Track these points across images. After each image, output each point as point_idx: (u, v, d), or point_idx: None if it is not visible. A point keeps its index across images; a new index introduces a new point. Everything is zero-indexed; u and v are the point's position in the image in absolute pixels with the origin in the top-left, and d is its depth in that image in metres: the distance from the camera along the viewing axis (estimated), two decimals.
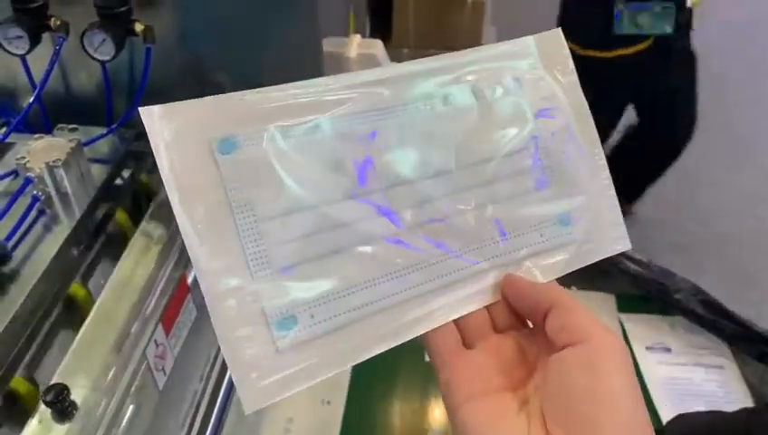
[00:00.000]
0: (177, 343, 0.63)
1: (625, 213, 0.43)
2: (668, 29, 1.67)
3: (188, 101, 0.35)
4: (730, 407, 0.69)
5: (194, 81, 0.78)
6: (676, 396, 0.80)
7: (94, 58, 0.71)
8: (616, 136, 2.07)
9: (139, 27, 0.71)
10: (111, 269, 0.62)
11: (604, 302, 0.93)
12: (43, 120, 0.76)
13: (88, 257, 0.66)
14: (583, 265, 0.42)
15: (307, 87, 0.37)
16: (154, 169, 0.71)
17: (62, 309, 0.61)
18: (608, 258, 0.43)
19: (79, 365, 0.53)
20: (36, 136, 0.66)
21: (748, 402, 0.80)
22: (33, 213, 0.63)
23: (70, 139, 0.66)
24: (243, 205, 0.34)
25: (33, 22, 0.70)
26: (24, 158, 0.63)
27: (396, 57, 1.27)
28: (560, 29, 0.44)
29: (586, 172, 0.43)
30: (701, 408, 0.77)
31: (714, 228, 2.19)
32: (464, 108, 0.41)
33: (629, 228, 0.44)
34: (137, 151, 0.75)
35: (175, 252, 0.64)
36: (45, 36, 0.72)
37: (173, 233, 0.65)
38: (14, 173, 0.66)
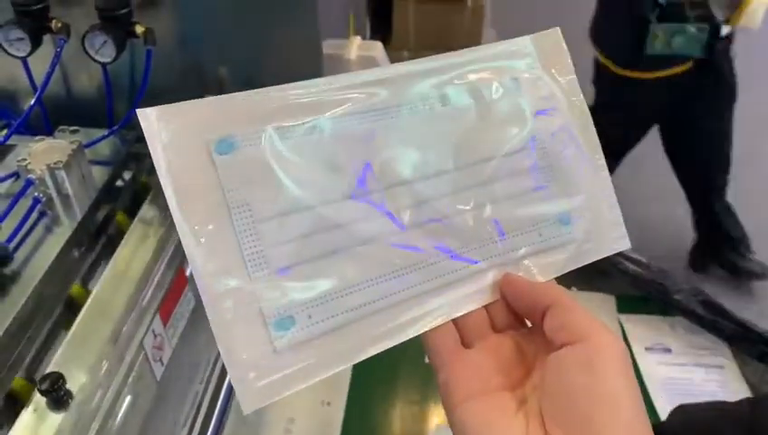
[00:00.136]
0: (174, 333, 0.63)
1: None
2: (702, 52, 1.58)
3: (186, 102, 0.35)
4: None
5: (194, 82, 0.78)
6: (676, 396, 0.80)
7: (95, 60, 0.71)
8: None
9: (139, 29, 0.71)
10: None
11: (604, 302, 0.93)
12: (44, 122, 0.76)
13: (89, 259, 0.66)
14: (583, 265, 0.42)
15: (306, 87, 0.37)
16: (155, 170, 0.71)
17: (63, 310, 0.61)
18: (607, 259, 0.43)
19: (75, 355, 0.52)
20: (37, 138, 0.66)
21: None
22: (35, 215, 0.63)
23: (71, 141, 0.66)
24: (240, 205, 0.34)
25: (35, 24, 0.70)
26: (25, 160, 0.63)
27: (396, 59, 1.27)
28: (558, 28, 0.44)
29: (585, 172, 0.43)
30: None
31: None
32: (462, 108, 0.41)
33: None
34: (138, 153, 0.75)
35: (173, 242, 0.64)
36: (46, 38, 0.72)
37: (171, 224, 0.65)
38: (16, 175, 0.66)
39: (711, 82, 1.67)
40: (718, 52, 1.61)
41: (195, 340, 0.68)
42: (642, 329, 0.89)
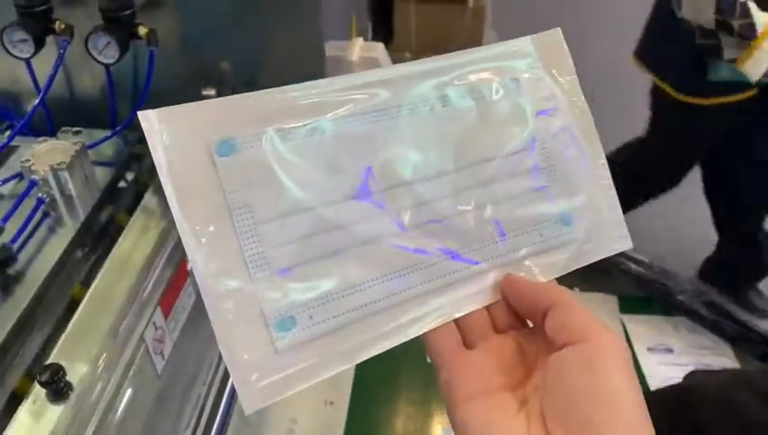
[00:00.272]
0: (176, 327, 0.63)
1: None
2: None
3: (187, 103, 0.35)
4: None
5: (196, 84, 0.78)
6: None
7: (98, 61, 0.71)
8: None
9: (142, 30, 0.71)
10: None
11: (606, 303, 0.93)
12: (47, 123, 0.76)
13: (91, 259, 0.66)
14: (584, 265, 0.42)
15: (307, 89, 0.37)
16: (155, 178, 0.71)
17: (66, 311, 0.61)
18: (610, 259, 0.43)
19: (75, 347, 0.52)
20: (41, 139, 0.66)
21: None
22: (38, 215, 0.64)
23: (74, 142, 0.66)
24: (241, 207, 0.34)
25: (38, 25, 0.70)
26: (28, 160, 0.63)
27: (397, 61, 1.27)
28: (558, 29, 0.44)
29: (586, 172, 0.43)
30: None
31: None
32: (463, 109, 0.41)
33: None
34: (140, 154, 0.75)
35: (174, 235, 0.64)
36: (49, 40, 0.72)
37: (172, 217, 0.65)
38: (19, 176, 0.67)
39: None
40: None
41: (196, 335, 0.68)
42: (645, 329, 0.89)
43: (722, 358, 0.85)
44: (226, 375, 0.72)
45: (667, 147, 1.63)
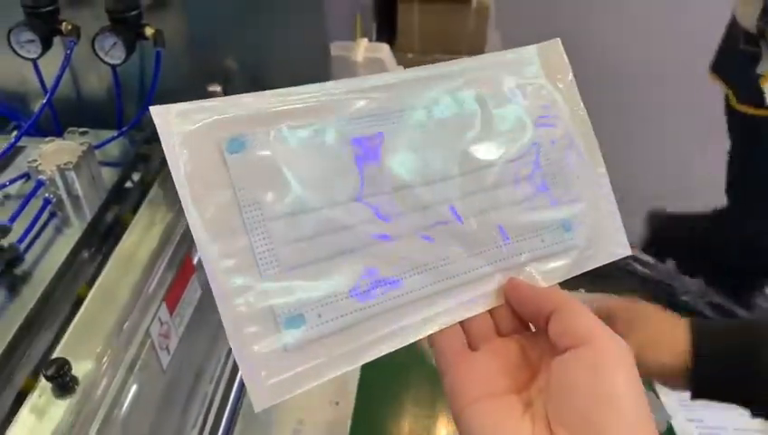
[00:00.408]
0: (181, 322, 0.63)
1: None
2: None
3: (199, 101, 0.35)
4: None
5: (202, 83, 0.78)
6: (682, 397, 0.80)
7: (105, 62, 0.72)
8: None
9: (149, 31, 0.72)
10: None
11: None
12: (53, 123, 0.77)
13: (98, 259, 0.66)
14: (584, 271, 0.42)
15: (315, 90, 0.38)
16: (162, 171, 0.72)
17: (72, 310, 0.61)
18: (615, 260, 0.44)
19: (80, 342, 0.52)
20: (47, 139, 0.67)
21: None
22: (45, 215, 0.64)
23: (80, 142, 0.66)
24: (251, 204, 0.35)
25: (45, 26, 0.70)
26: (35, 161, 0.64)
27: (401, 61, 1.28)
28: (558, 39, 0.45)
29: (586, 179, 0.44)
30: (710, 409, 0.77)
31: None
32: (467, 114, 0.41)
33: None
34: (146, 154, 0.75)
35: (179, 230, 0.64)
36: (56, 40, 0.72)
37: (178, 211, 0.65)
38: (26, 176, 0.67)
39: None
40: None
41: (202, 331, 0.68)
42: None
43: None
44: (233, 374, 0.72)
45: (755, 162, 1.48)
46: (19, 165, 0.70)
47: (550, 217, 0.42)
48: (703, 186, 2.11)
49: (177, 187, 0.34)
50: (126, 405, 0.53)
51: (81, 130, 0.73)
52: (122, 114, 0.78)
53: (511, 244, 0.40)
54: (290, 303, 0.34)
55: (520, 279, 0.40)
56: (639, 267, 0.88)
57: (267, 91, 0.37)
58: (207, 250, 0.34)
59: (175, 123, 0.34)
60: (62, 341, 0.52)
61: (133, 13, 0.71)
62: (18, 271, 0.58)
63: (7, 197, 0.66)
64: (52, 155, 0.64)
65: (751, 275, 1.53)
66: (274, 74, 0.78)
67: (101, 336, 0.53)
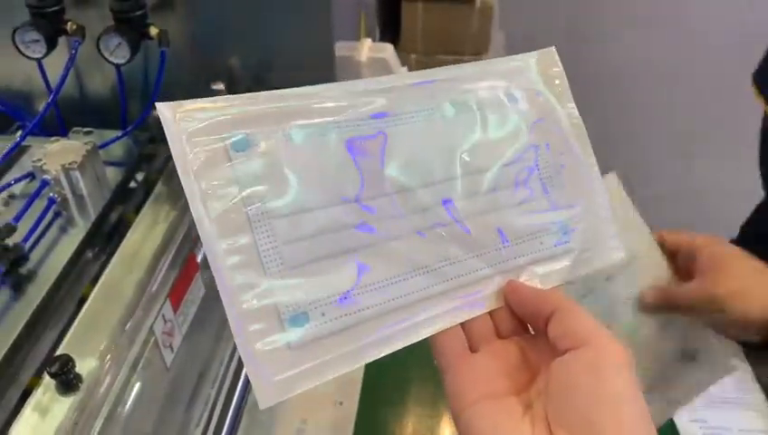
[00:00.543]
0: (185, 320, 0.63)
1: None
2: None
3: (204, 99, 0.35)
4: (744, 407, 0.69)
5: (207, 83, 0.79)
6: None
7: (109, 61, 0.72)
8: None
9: (153, 31, 0.72)
10: None
11: None
12: (58, 123, 0.77)
13: (102, 259, 0.67)
14: (581, 274, 0.43)
15: (320, 91, 0.38)
16: (166, 170, 0.72)
17: (77, 309, 0.61)
18: None
19: (84, 339, 0.52)
20: (52, 139, 0.67)
21: (762, 402, 0.79)
22: (50, 215, 0.64)
23: (85, 141, 0.66)
24: (255, 202, 0.35)
25: (50, 26, 0.71)
26: (40, 160, 0.64)
27: (404, 61, 1.28)
28: (553, 48, 0.46)
29: (582, 183, 0.45)
30: (713, 409, 0.76)
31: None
32: (467, 119, 0.42)
33: None
34: (150, 154, 0.75)
35: (183, 228, 0.64)
36: (61, 40, 0.73)
37: (181, 209, 0.65)
38: (31, 175, 0.67)
39: None
40: None
41: (205, 329, 0.68)
42: None
43: (732, 358, 0.84)
44: (237, 374, 0.72)
45: None
46: (24, 164, 0.71)
47: (548, 220, 0.43)
48: (704, 186, 2.10)
49: (182, 183, 0.34)
50: (129, 403, 0.53)
51: (86, 129, 0.74)
52: (126, 114, 0.78)
53: (510, 246, 0.41)
54: (294, 301, 0.35)
55: (519, 281, 0.40)
56: None
57: (272, 91, 0.37)
58: (213, 246, 0.34)
59: (181, 120, 0.35)
60: (66, 338, 0.52)
61: (138, 13, 0.71)
62: (23, 270, 0.58)
63: (12, 196, 0.66)
64: (56, 154, 0.65)
65: None
66: (278, 74, 0.78)
67: (105, 334, 0.53)
